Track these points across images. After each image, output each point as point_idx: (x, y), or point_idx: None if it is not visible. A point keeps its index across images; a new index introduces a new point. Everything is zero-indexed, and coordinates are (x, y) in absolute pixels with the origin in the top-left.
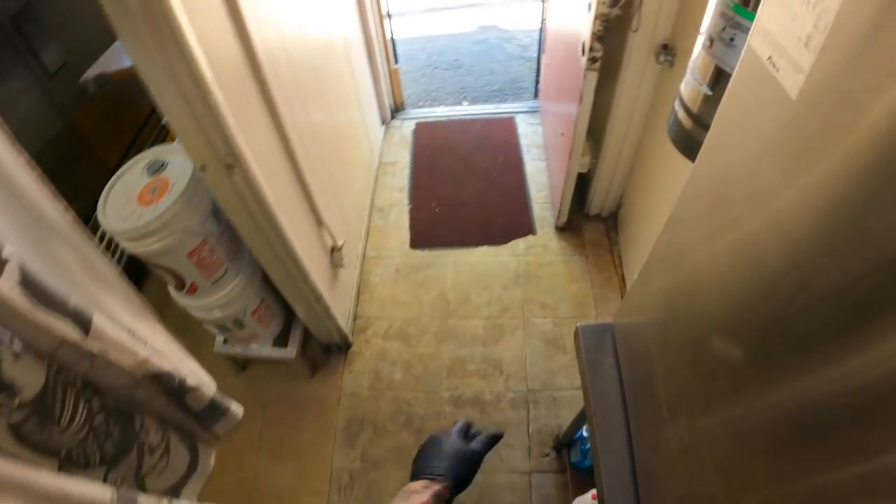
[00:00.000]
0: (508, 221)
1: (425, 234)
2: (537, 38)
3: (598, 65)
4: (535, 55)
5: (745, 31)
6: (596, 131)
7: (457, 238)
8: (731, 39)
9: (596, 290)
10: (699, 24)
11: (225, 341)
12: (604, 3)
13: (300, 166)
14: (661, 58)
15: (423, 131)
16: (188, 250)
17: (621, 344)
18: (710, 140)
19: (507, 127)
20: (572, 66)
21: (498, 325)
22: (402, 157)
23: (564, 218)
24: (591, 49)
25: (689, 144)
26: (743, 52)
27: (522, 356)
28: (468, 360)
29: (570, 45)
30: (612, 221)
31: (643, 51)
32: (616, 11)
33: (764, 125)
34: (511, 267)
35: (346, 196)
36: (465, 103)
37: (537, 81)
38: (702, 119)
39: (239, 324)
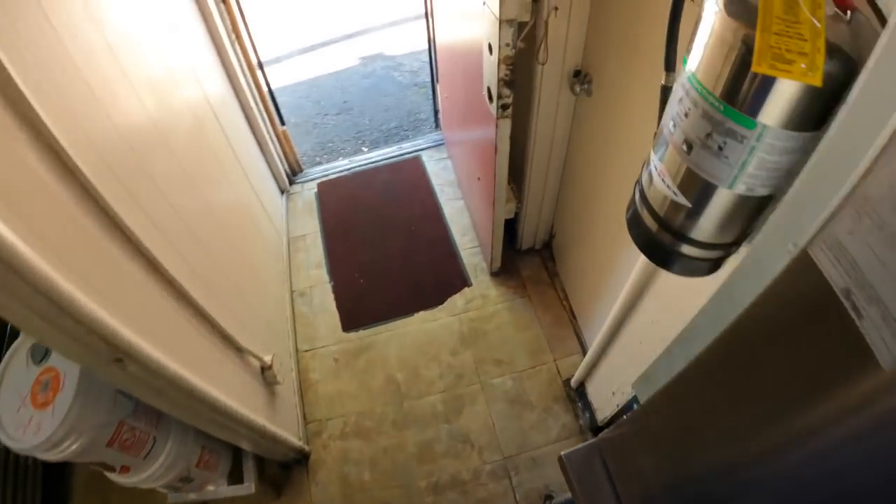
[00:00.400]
0: (440, 278)
1: (355, 312)
2: (426, 60)
3: (510, 111)
4: (428, 80)
5: (741, 139)
6: (516, 172)
7: (390, 309)
8: (721, 148)
9: (547, 331)
10: (615, 48)
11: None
12: (507, 45)
13: (199, 305)
14: (578, 88)
15: (328, 191)
16: (106, 441)
17: (614, 464)
18: (737, 331)
19: (414, 168)
20: (479, 109)
21: (456, 396)
22: (312, 227)
23: (498, 263)
24: (501, 96)
25: (654, 249)
26: (790, 252)
27: (489, 423)
28: (435, 441)
29: (470, 80)
30: (546, 252)
31: (555, 83)
32: (520, 44)
33: (823, 375)
34: (454, 329)
35: (259, 296)
36: (365, 149)
37: (436, 111)
38: (672, 226)
39: (187, 479)
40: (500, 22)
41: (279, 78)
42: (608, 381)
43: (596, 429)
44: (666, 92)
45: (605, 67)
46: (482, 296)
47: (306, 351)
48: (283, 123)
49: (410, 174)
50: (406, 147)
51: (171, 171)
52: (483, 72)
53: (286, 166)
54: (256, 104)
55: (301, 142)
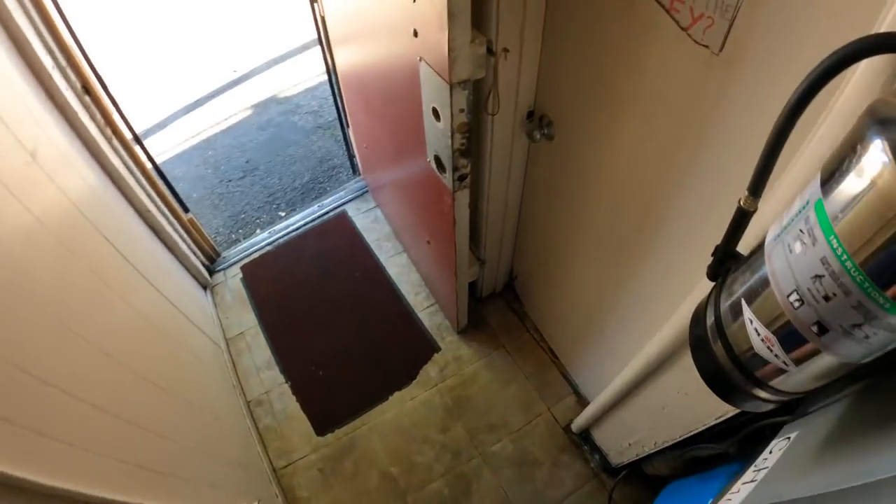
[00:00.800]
0: (404, 349)
1: (325, 411)
2: (325, 96)
3: (468, 180)
4: (333, 119)
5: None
6: (471, 230)
7: (361, 399)
8: (867, 337)
9: (533, 379)
10: (573, 85)
11: None
12: (462, 111)
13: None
14: (538, 134)
15: (255, 274)
16: None
17: None
18: None
19: (343, 227)
20: (421, 172)
21: (459, 475)
22: (249, 321)
23: (465, 323)
24: (457, 168)
25: (720, 384)
26: None
27: (502, 494)
28: None
29: (402, 138)
30: (510, 293)
31: (507, 131)
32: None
33: None
34: (435, 403)
35: (219, 434)
36: (282, 214)
37: (350, 155)
38: (753, 374)
39: None
40: (452, 85)
41: (168, 146)
42: (623, 432)
43: (611, 470)
44: (744, 216)
45: (565, 106)
46: (455, 359)
47: (284, 467)
48: (186, 210)
49: (340, 235)
50: (327, 203)
51: (40, 335)
52: (426, 136)
53: (201, 257)
54: (151, 199)
55: (210, 219)
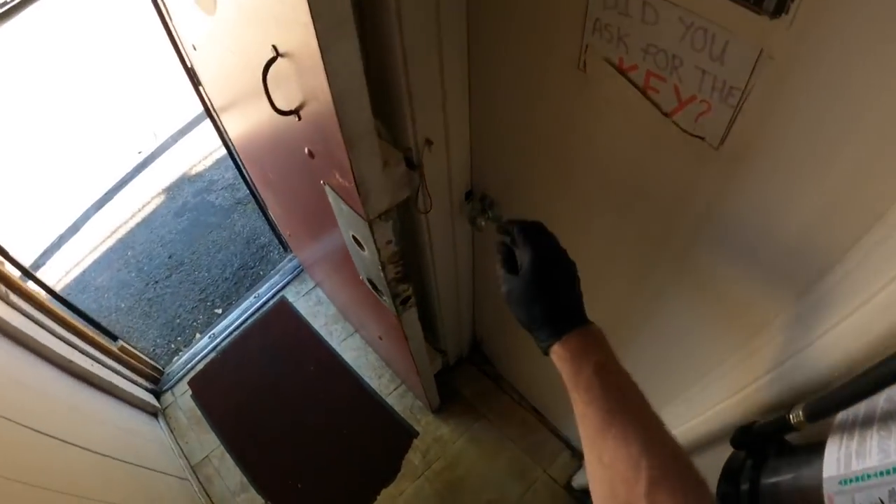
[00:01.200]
0: (381, 441)
1: None
2: (233, 164)
3: (413, 300)
4: (249, 191)
5: None
6: (425, 323)
7: None
8: None
9: (521, 443)
10: (517, 170)
11: None
12: (390, 243)
13: None
14: (482, 221)
15: (205, 388)
16: None
17: None
18: None
19: (286, 317)
20: (356, 281)
21: None
22: (210, 442)
23: (437, 402)
24: (396, 294)
25: None
26: None
27: None
28: None
29: (321, 242)
30: (478, 356)
31: (445, 222)
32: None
33: None
34: (427, 492)
35: None
36: (219, 311)
37: (277, 234)
38: None
39: None
40: (370, 221)
41: (84, 252)
42: None
43: None
44: (788, 429)
45: (510, 185)
46: (436, 440)
47: None
48: (115, 338)
49: (285, 326)
50: (264, 292)
51: None
52: (353, 259)
53: (144, 383)
54: (70, 344)
55: (144, 331)
